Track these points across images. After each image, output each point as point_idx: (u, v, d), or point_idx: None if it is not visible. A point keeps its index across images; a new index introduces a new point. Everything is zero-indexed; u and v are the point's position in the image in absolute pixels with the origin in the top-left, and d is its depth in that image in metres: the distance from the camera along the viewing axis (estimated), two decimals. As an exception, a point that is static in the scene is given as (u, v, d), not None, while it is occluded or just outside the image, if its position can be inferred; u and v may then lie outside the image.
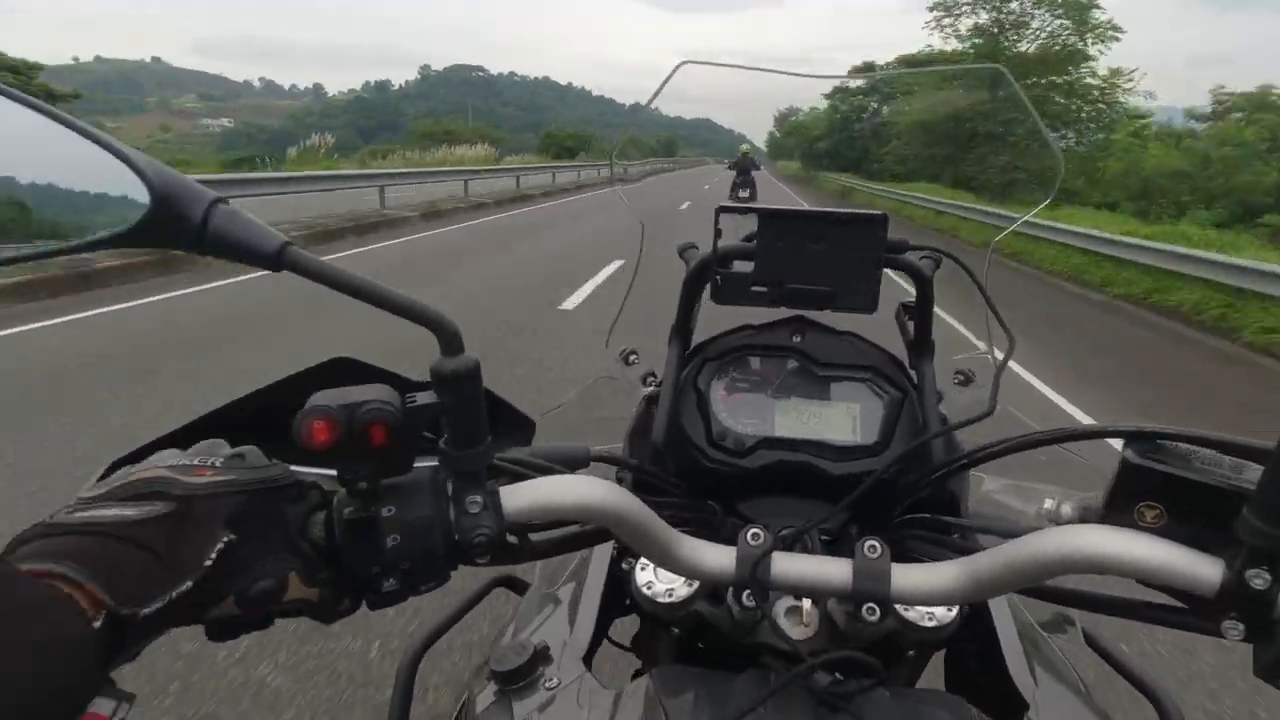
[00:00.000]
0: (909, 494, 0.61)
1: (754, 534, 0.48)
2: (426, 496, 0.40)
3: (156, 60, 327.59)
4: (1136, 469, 0.40)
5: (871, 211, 0.57)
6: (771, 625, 0.54)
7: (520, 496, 0.42)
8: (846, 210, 0.58)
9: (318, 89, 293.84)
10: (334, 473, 0.39)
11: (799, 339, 0.70)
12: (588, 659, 0.60)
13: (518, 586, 0.85)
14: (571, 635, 0.62)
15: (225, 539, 0.35)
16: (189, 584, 0.33)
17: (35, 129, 0.34)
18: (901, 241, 0.61)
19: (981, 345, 0.78)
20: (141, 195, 0.34)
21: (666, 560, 0.47)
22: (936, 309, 0.71)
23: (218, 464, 0.37)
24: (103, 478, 0.39)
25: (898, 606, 0.55)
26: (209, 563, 0.34)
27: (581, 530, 0.51)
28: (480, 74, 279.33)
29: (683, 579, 0.59)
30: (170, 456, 0.38)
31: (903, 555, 0.55)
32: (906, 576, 0.46)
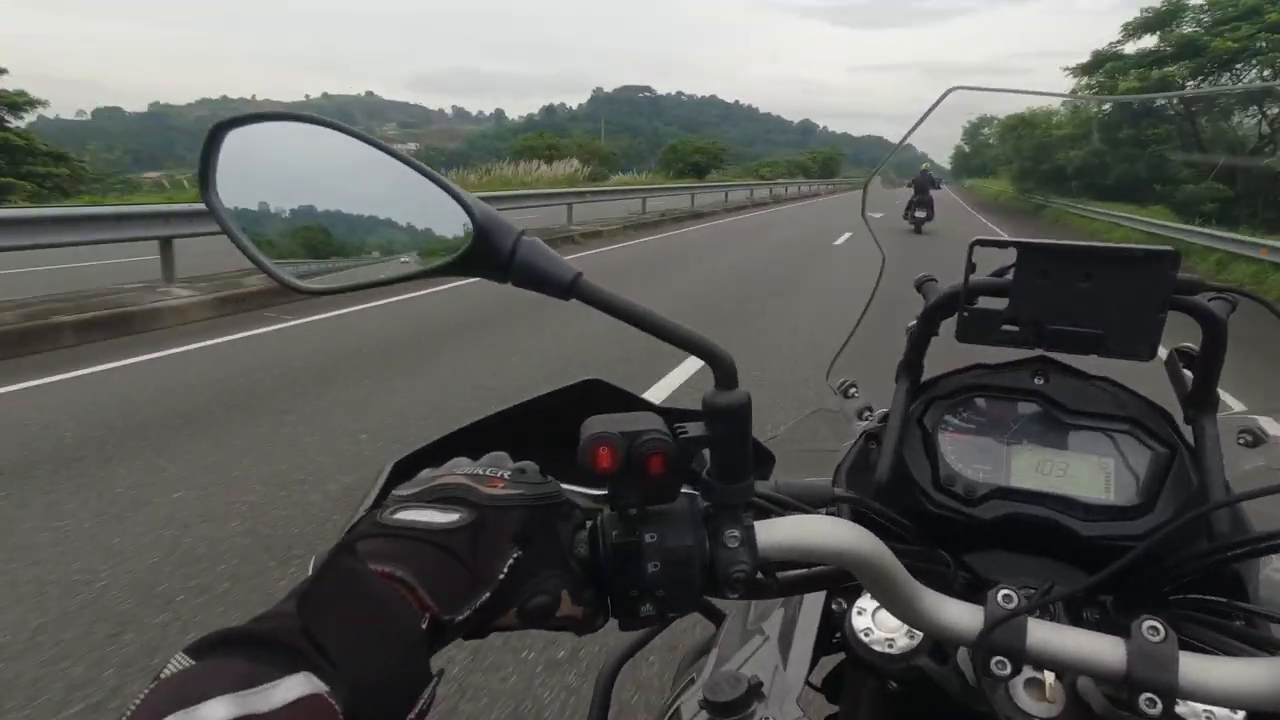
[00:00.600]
0: (1185, 571, 0.53)
1: (1005, 595, 0.45)
2: (687, 526, 0.40)
3: (370, 94, 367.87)
4: None
5: (1160, 248, 0.51)
6: (1007, 694, 0.49)
7: (775, 533, 0.41)
8: (1129, 245, 0.52)
9: (498, 114, 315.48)
10: (594, 492, 0.40)
11: (1042, 381, 0.65)
12: (800, 699, 0.58)
13: (713, 613, 0.84)
14: (785, 673, 0.60)
15: (515, 553, 0.37)
16: (488, 594, 0.35)
17: (378, 164, 0.38)
18: (1195, 280, 0.54)
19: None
20: (463, 227, 0.37)
21: (908, 613, 0.45)
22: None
23: (506, 476, 0.40)
24: (394, 474, 0.43)
25: (1179, 702, 0.49)
26: (502, 575, 0.36)
27: (826, 571, 0.49)
28: (646, 95, 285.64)
29: (904, 630, 0.55)
30: (465, 465, 0.41)
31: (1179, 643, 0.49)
32: (1197, 667, 0.40)
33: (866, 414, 0.74)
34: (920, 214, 13.57)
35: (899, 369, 0.68)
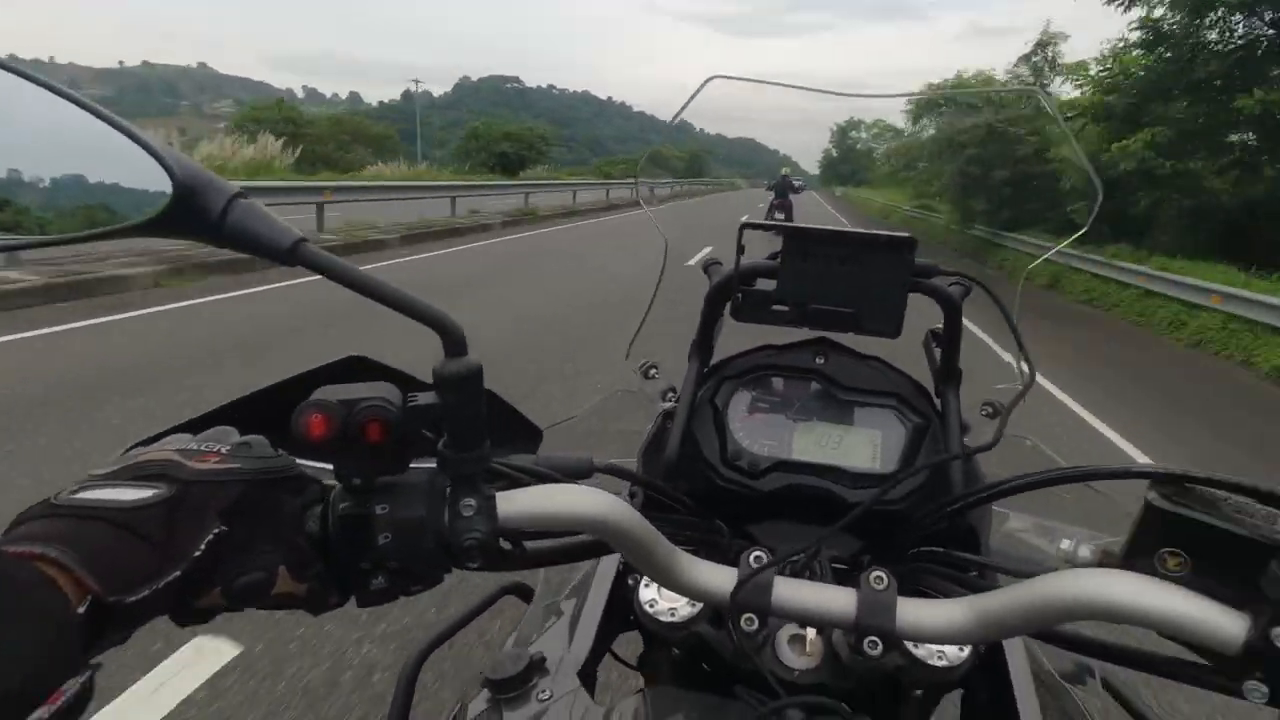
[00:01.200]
0: (924, 526, 0.59)
1: (757, 556, 0.48)
2: (421, 497, 0.39)
3: (203, 66, 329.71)
4: (1160, 513, 0.38)
5: (900, 234, 0.56)
6: (770, 652, 0.52)
7: (516, 502, 0.41)
8: (874, 231, 0.57)
9: (353, 98, 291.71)
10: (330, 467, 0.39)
11: (822, 361, 0.69)
12: (584, 673, 0.59)
13: (527, 595, 0.84)
14: (569, 648, 0.61)
15: (217, 529, 0.35)
16: (177, 573, 0.33)
17: (62, 117, 0.34)
18: (931, 266, 0.60)
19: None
20: (165, 186, 0.34)
21: (665, 577, 0.47)
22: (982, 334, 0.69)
23: (224, 450, 0.38)
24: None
25: (906, 643, 0.54)
26: (198, 553, 0.34)
27: (580, 541, 0.50)
28: (514, 85, 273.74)
29: (686, 599, 0.58)
30: (181, 441, 0.38)
31: (915, 590, 0.54)
32: (913, 611, 0.45)
33: (670, 394, 0.76)
34: (779, 215, 14.60)
35: (690, 349, 0.70)
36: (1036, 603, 0.40)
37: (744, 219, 0.58)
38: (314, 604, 0.40)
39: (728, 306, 0.66)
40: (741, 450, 0.66)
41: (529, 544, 0.47)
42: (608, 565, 0.68)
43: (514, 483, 0.44)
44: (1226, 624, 0.35)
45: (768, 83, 0.74)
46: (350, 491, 0.39)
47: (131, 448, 0.41)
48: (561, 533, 0.49)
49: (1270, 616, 0.34)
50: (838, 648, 0.54)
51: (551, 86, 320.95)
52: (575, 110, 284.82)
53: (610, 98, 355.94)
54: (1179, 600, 0.36)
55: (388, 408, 0.37)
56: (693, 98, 0.64)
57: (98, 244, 0.38)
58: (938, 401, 0.69)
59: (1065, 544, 0.46)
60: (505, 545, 0.44)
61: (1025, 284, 0.71)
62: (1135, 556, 0.39)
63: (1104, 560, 0.44)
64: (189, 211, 0.35)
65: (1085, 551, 0.44)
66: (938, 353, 0.70)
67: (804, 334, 0.69)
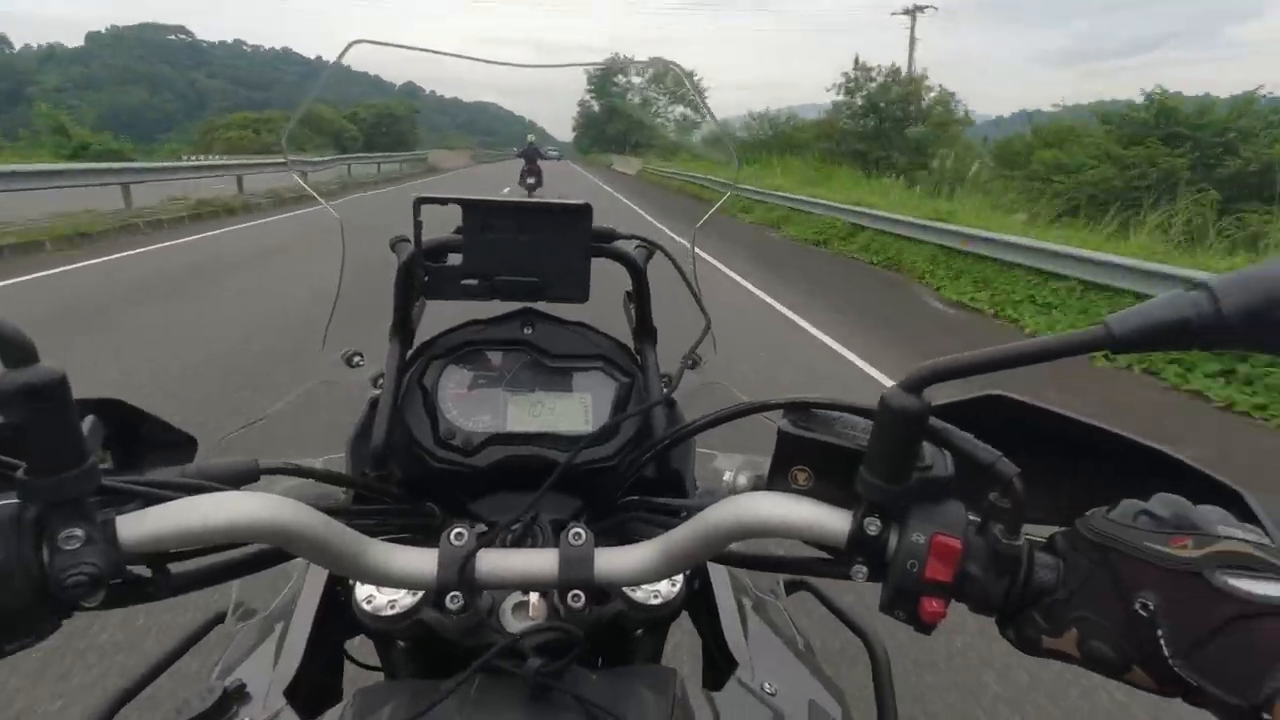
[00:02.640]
0: (629, 475, 0.63)
1: (457, 533, 0.47)
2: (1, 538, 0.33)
3: None
4: (789, 437, 0.43)
5: (574, 201, 0.58)
6: (495, 622, 0.52)
7: (145, 522, 0.36)
8: (550, 200, 0.58)
9: None
10: None
11: (529, 331, 0.70)
12: (294, 689, 0.54)
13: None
14: (276, 668, 0.56)
15: None
16: None
17: None
18: (609, 231, 0.63)
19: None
20: None
21: (360, 571, 0.44)
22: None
23: None
24: None
25: (625, 589, 0.57)
26: None
27: (251, 553, 0.46)
28: (181, 38, 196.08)
29: (406, 590, 0.55)
30: None
31: (627, 538, 0.57)
32: (608, 559, 0.47)
33: (382, 381, 0.72)
34: (530, 180, 15.47)
35: (390, 331, 0.67)
36: (707, 531, 0.44)
37: (418, 195, 0.55)
38: None
39: None
40: (455, 428, 0.65)
41: (184, 566, 0.41)
42: (318, 572, 0.63)
43: (149, 501, 0.39)
44: (835, 522, 0.41)
45: (409, 48, 0.72)
46: None
47: None
48: (228, 547, 0.44)
49: (864, 509, 0.40)
50: (558, 606, 0.55)
51: (240, 42, 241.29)
52: (277, 69, 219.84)
53: (320, 56, 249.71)
54: (800, 508, 0.42)
55: None
56: (337, 60, 0.60)
57: None
58: (639, 359, 0.73)
59: (728, 475, 0.50)
60: (144, 573, 0.39)
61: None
62: (775, 477, 0.44)
63: (757, 484, 0.50)
64: None
65: (743, 479, 0.50)
66: (633, 312, 0.74)
67: (510, 307, 0.69)
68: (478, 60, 0.67)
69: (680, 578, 0.60)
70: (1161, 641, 0.34)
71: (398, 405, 0.64)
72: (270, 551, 0.46)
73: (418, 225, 0.56)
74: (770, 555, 0.50)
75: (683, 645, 0.78)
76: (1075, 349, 0.34)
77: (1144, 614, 0.34)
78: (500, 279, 0.59)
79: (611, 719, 0.43)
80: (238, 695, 0.52)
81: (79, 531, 0.34)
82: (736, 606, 0.67)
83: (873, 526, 0.40)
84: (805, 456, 0.43)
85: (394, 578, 0.46)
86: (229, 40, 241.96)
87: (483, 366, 0.69)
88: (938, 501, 0.40)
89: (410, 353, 0.68)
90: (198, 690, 0.52)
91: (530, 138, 17.81)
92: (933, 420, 0.39)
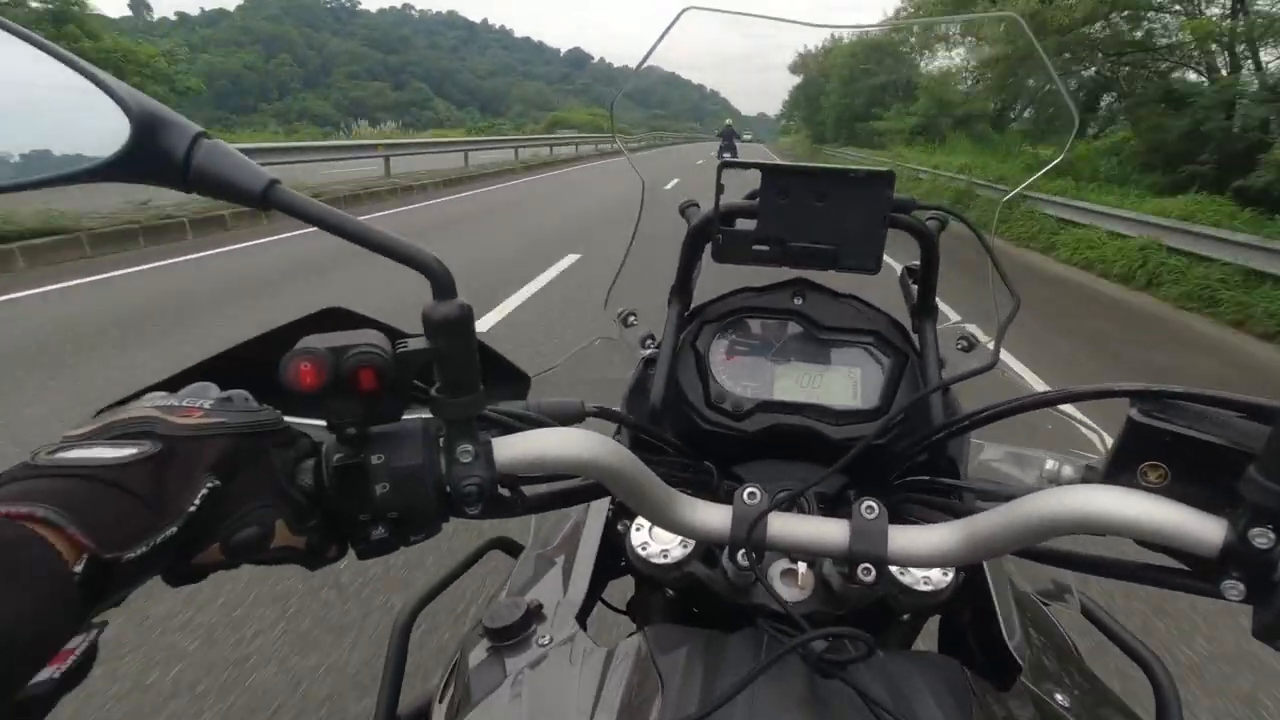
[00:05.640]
0: (906, 457, 0.60)
1: (750, 493, 0.48)
2: (417, 445, 0.39)
3: None
4: (1142, 428, 0.39)
5: (877, 168, 0.56)
6: (765, 587, 0.53)
7: (513, 447, 0.41)
8: (852, 167, 0.56)
9: (140, 6, 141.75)
10: (324, 423, 0.38)
11: (800, 301, 0.70)
12: (582, 618, 0.59)
13: (514, 549, 0.85)
14: (566, 595, 0.62)
15: (210, 484, 0.34)
16: (174, 529, 0.32)
17: (3, 52, 0.32)
18: (908, 200, 0.60)
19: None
20: (124, 126, 0.33)
21: (662, 518, 0.47)
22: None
23: (206, 406, 0.36)
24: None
25: (894, 570, 0.55)
26: (193, 508, 0.33)
27: (576, 485, 0.50)
28: (339, 3, 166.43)
29: (678, 540, 0.58)
30: (158, 398, 0.37)
31: (901, 519, 0.55)
32: (903, 537, 0.45)
33: (649, 341, 0.76)
34: (727, 155, 18.20)
35: (670, 294, 0.70)
36: (1022, 521, 0.41)
37: (721, 159, 0.57)
38: (313, 558, 0.39)
39: (707, 249, 0.66)
40: (725, 393, 0.66)
41: (526, 489, 0.47)
42: (598, 512, 0.69)
43: (506, 429, 0.44)
44: (1205, 528, 0.36)
45: (746, 14, 0.72)
46: (344, 442, 0.38)
47: (105, 409, 0.41)
48: (559, 477, 0.49)
49: (1248, 518, 0.35)
50: (829, 578, 0.55)
51: (408, 6, 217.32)
52: (438, 34, 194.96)
53: (485, 20, 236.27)
54: (1160, 509, 0.37)
55: (379, 354, 0.36)
56: (666, 31, 0.62)
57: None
58: (914, 337, 0.69)
59: (1050, 465, 0.47)
60: (504, 492, 0.44)
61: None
62: (1118, 471, 0.40)
63: (1087, 477, 0.45)
64: (150, 153, 0.33)
65: (1069, 471, 0.45)
66: (914, 289, 0.70)
67: (783, 275, 0.68)
68: (812, 25, 0.67)
69: (953, 568, 0.57)
70: None
71: (674, 366, 0.67)
72: (593, 486, 0.50)
73: (719, 188, 0.57)
74: (1098, 556, 0.45)
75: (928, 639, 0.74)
76: None
77: None
78: (793, 245, 0.59)
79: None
80: (537, 614, 0.58)
81: (470, 448, 0.39)
82: (1015, 605, 0.62)
83: (1263, 539, 0.35)
84: (1162, 452, 0.38)
85: (691, 528, 0.48)
86: (394, 5, 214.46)
87: (753, 334, 0.69)
88: None
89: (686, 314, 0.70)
90: (505, 602, 0.58)
91: (727, 121, 20.53)
92: None
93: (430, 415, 0.40)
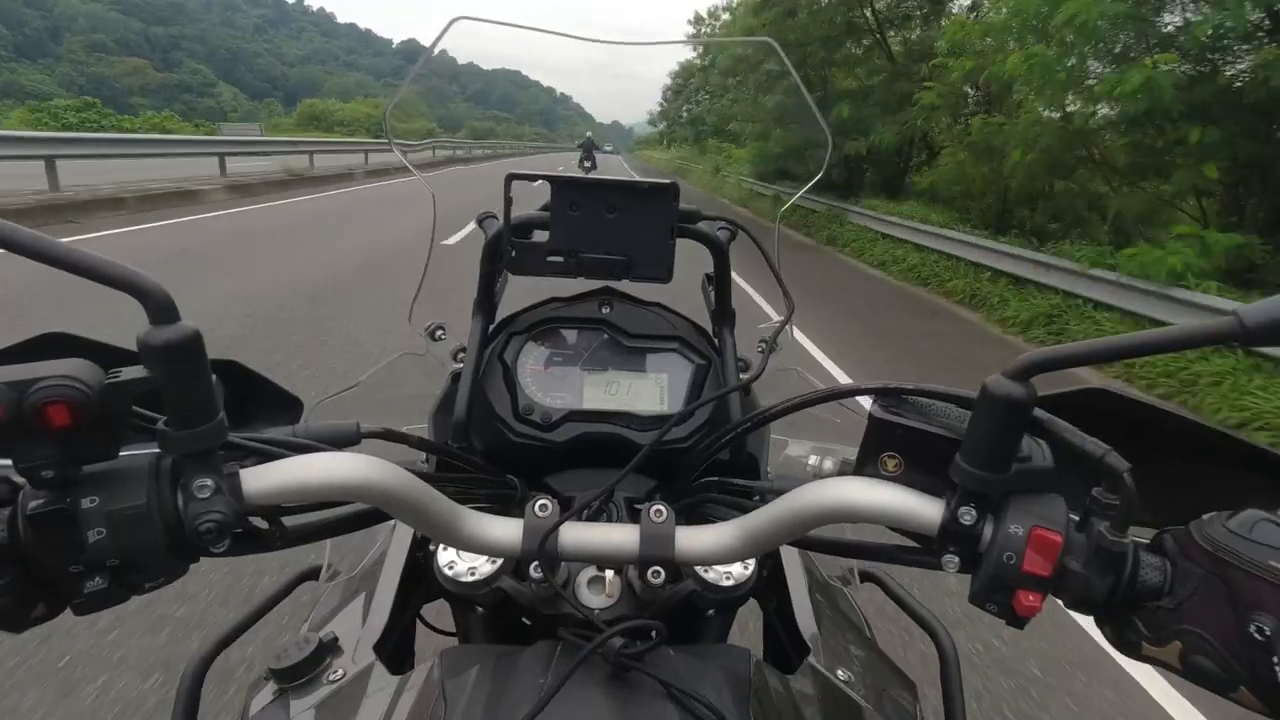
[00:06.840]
0: (705, 458, 0.63)
1: (541, 505, 0.48)
2: (141, 483, 0.35)
3: None
4: (881, 422, 0.43)
5: (662, 180, 0.58)
6: (564, 597, 0.54)
7: (266, 477, 0.38)
8: (638, 179, 0.58)
9: None
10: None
11: (607, 310, 0.71)
12: (381, 647, 0.57)
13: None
14: (365, 624, 0.59)
15: None
16: None
17: None
18: (694, 211, 0.63)
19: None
20: None
21: (450, 536, 0.46)
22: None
23: None
24: None
25: (698, 569, 0.57)
26: None
27: (354, 511, 0.48)
28: None
29: (486, 557, 0.57)
30: None
31: (701, 519, 0.57)
32: (688, 538, 0.47)
33: (461, 354, 0.74)
34: (587, 164, 19.55)
35: (473, 307, 0.69)
36: (790, 515, 0.44)
37: (510, 172, 0.56)
38: (13, 620, 0.35)
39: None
40: (533, 404, 0.66)
41: (292, 520, 0.43)
42: (403, 535, 0.66)
43: (266, 458, 0.41)
44: (927, 510, 0.41)
45: (518, 26, 0.72)
46: (41, 486, 0.34)
47: None
48: (327, 505, 0.46)
49: (957, 499, 0.39)
50: (633, 583, 0.56)
51: None
52: (238, 14, 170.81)
53: (302, 1, 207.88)
54: (891, 494, 0.41)
55: (74, 386, 0.32)
56: (438, 39, 0.61)
57: None
58: (717, 341, 0.73)
59: (813, 460, 0.50)
60: (261, 525, 0.41)
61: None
62: (864, 463, 0.44)
63: (842, 469, 0.49)
64: None
65: (829, 464, 0.49)
66: (712, 295, 0.74)
67: (591, 285, 0.69)
68: (583, 40, 0.67)
69: (753, 561, 0.60)
70: (1276, 668, 0.32)
71: (479, 379, 0.66)
72: (369, 512, 0.48)
73: (508, 201, 0.57)
74: (852, 541, 0.50)
75: (747, 628, 0.78)
76: (1200, 340, 0.33)
77: (1259, 637, 0.33)
78: (585, 256, 0.59)
79: (691, 699, 0.43)
80: (331, 647, 0.55)
81: (209, 482, 0.36)
82: (808, 592, 0.67)
83: (967, 516, 0.39)
84: (896, 443, 0.43)
85: (480, 544, 0.47)
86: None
87: (561, 344, 0.70)
88: (1036, 494, 0.39)
89: (491, 328, 0.69)
90: (295, 640, 0.54)
91: (588, 133, 22.01)
92: (1036, 411, 0.38)
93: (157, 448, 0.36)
